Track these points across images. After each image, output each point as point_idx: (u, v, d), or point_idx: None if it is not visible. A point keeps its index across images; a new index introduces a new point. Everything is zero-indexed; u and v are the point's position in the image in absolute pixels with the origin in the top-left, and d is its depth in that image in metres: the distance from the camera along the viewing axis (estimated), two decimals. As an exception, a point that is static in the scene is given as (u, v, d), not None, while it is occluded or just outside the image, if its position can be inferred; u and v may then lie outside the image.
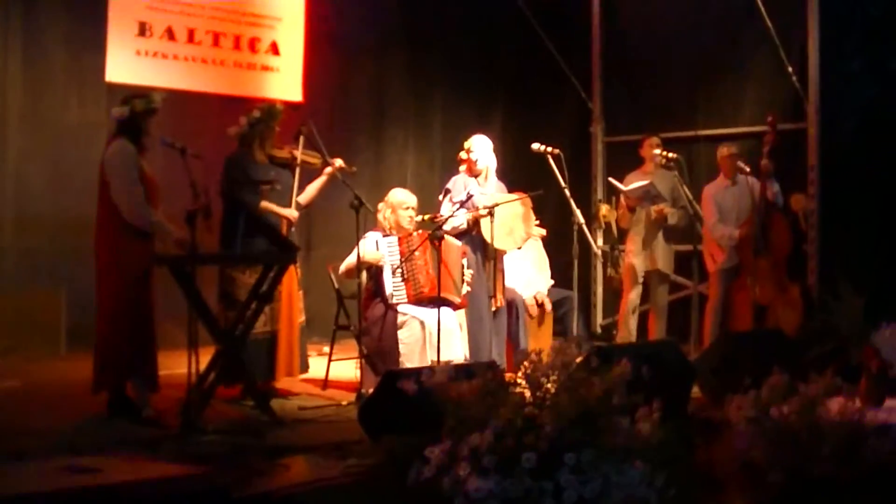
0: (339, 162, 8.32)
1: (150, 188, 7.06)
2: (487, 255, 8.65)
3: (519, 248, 9.09)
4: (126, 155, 6.96)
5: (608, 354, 5.52)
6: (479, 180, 8.80)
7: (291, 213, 8.16)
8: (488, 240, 8.53)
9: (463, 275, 8.44)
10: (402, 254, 8.31)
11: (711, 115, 11.63)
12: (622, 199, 10.16)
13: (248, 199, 7.93)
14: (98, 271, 7.09)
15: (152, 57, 10.75)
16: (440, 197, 8.95)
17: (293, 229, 8.25)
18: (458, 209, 8.42)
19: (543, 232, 9.97)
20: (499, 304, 8.74)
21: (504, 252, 8.82)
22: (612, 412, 4.58)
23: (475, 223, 8.60)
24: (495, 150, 8.98)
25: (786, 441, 5.42)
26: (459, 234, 8.61)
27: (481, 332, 8.60)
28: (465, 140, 8.97)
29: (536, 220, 9.57)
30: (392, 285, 8.26)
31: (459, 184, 8.80)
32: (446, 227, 8.40)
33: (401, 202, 8.54)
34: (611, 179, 10.10)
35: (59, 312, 9.86)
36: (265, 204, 8.00)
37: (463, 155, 8.91)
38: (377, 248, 8.33)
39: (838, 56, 10.67)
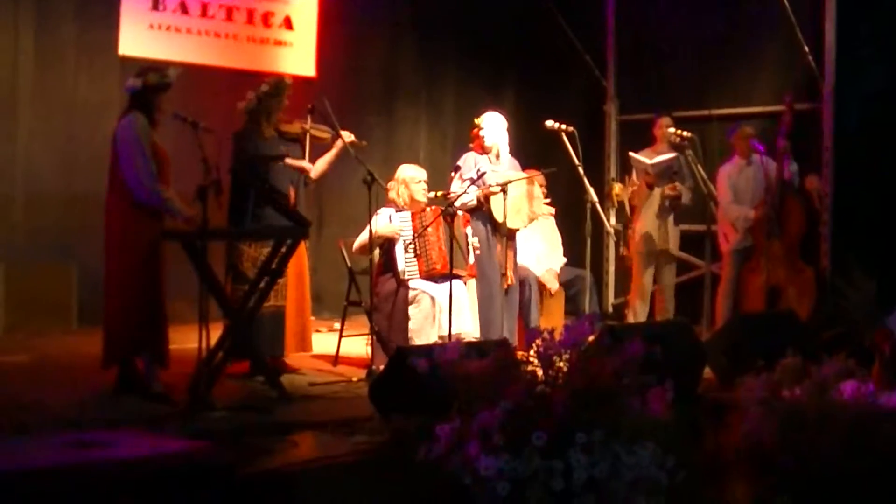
0: (349, 136, 8.29)
1: (161, 163, 7.01)
2: (498, 233, 8.62)
3: (525, 227, 9.06)
4: (138, 128, 6.90)
5: (620, 334, 5.50)
6: (491, 158, 8.76)
7: (309, 165, 8.19)
8: (497, 217, 8.50)
9: (468, 243, 8.41)
10: (414, 229, 8.29)
11: (725, 94, 11.57)
12: (634, 175, 10.10)
13: (262, 169, 7.91)
14: (107, 246, 7.05)
15: (165, 31, 10.71)
16: (451, 173, 8.92)
17: (302, 189, 8.24)
18: (469, 186, 8.39)
19: (552, 211, 9.94)
20: (510, 282, 8.71)
21: (515, 230, 8.79)
22: (623, 392, 4.55)
23: (485, 200, 8.56)
24: (508, 127, 8.93)
25: (797, 423, 5.39)
26: (469, 212, 8.59)
27: (492, 310, 8.57)
28: (478, 117, 8.94)
29: (547, 198, 9.54)
30: (404, 261, 8.25)
31: (470, 161, 8.77)
32: (456, 203, 8.38)
33: (413, 177, 8.53)
34: (632, 154, 10.02)
35: (69, 289, 9.86)
36: (284, 161, 8.01)
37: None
38: (391, 223, 8.32)
39: (853, 38, 10.61)
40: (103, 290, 7.08)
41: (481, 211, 8.62)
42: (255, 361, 7.51)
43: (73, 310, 9.85)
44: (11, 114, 9.93)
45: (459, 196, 8.38)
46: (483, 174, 8.41)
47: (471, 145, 8.92)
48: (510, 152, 8.93)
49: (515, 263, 8.86)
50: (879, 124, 10.33)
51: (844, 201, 10.54)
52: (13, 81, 9.95)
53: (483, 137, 8.79)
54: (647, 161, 9.75)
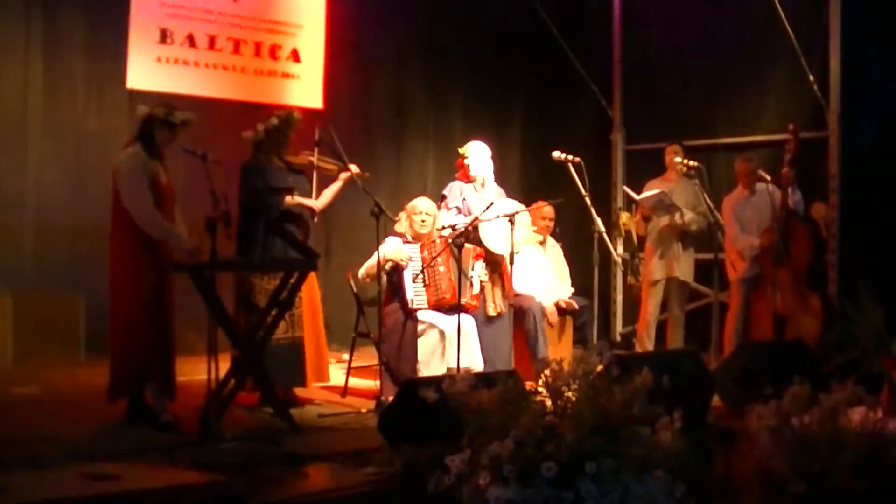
0: (355, 168, 8.30)
1: (164, 195, 7.04)
2: (487, 265, 8.64)
3: (518, 253, 9.07)
4: (135, 161, 6.94)
5: (628, 363, 5.51)
6: (476, 186, 8.83)
7: (316, 203, 8.18)
8: (487, 245, 8.54)
9: (469, 277, 8.40)
10: (423, 260, 8.30)
11: (731, 123, 11.59)
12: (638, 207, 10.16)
13: (271, 201, 7.93)
14: (112, 278, 7.09)
15: (173, 64, 10.74)
16: (439, 202, 8.95)
17: (310, 238, 8.26)
18: (478, 216, 8.43)
19: (541, 238, 9.93)
20: (499, 311, 8.71)
21: (501, 256, 8.77)
22: (632, 421, 4.56)
23: (473, 229, 8.56)
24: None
25: (806, 451, 5.39)
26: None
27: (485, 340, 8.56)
28: (462, 147, 9.01)
29: (551, 223, 9.59)
30: (413, 290, 8.25)
31: (455, 190, 8.87)
32: (445, 233, 8.43)
33: (419, 208, 8.52)
34: (625, 188, 10.09)
35: (78, 319, 9.85)
36: (289, 199, 8.02)
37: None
38: (399, 249, 8.32)
39: (859, 65, 10.64)
40: (109, 322, 7.11)
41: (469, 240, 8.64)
42: (265, 393, 7.50)
43: (81, 340, 9.83)
44: (22, 144, 9.96)
45: (466, 227, 8.39)
46: (490, 205, 8.42)
47: (455, 175, 8.99)
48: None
49: (503, 291, 8.84)
50: (889, 147, 10.35)
51: (852, 228, 10.55)
52: (23, 112, 9.99)
53: (468, 167, 8.85)
54: (636, 196, 9.84)
